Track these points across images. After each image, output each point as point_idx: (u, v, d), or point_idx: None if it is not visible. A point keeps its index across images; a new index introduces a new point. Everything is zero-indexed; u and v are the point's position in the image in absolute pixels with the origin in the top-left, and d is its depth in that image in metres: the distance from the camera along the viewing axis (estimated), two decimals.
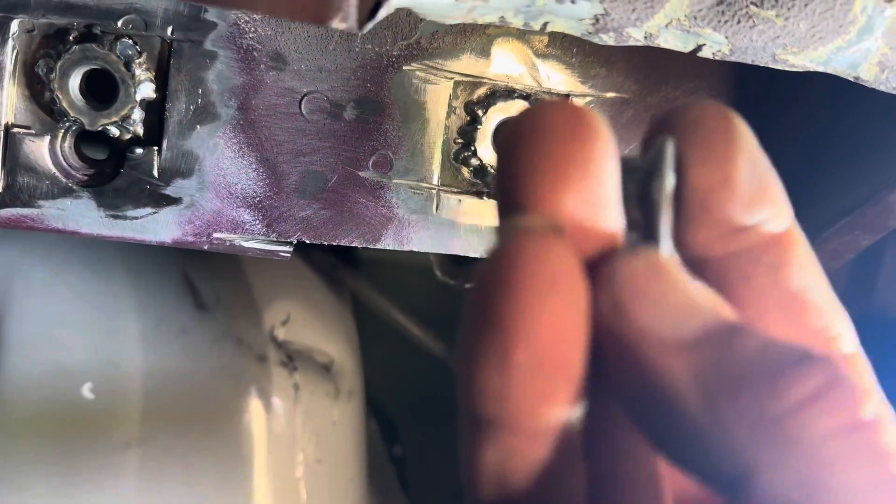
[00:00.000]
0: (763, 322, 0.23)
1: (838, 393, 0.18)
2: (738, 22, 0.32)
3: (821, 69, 0.34)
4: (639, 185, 0.23)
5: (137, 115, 0.41)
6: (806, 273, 0.24)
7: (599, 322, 0.20)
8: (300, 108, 0.42)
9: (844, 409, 0.18)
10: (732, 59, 0.34)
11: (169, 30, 0.40)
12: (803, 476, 0.17)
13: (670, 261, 0.21)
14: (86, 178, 0.41)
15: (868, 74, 0.34)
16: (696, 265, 0.22)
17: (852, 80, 0.34)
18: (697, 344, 0.19)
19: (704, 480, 0.19)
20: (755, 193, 0.23)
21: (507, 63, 0.44)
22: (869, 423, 0.18)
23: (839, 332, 0.24)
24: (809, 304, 0.23)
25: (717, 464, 0.18)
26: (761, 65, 0.34)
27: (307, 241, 0.44)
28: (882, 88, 0.34)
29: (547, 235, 0.19)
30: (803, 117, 0.48)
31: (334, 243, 0.44)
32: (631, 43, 0.33)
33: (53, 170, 0.41)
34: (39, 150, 0.40)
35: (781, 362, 0.18)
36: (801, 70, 0.34)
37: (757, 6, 0.31)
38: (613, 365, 0.20)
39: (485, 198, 0.46)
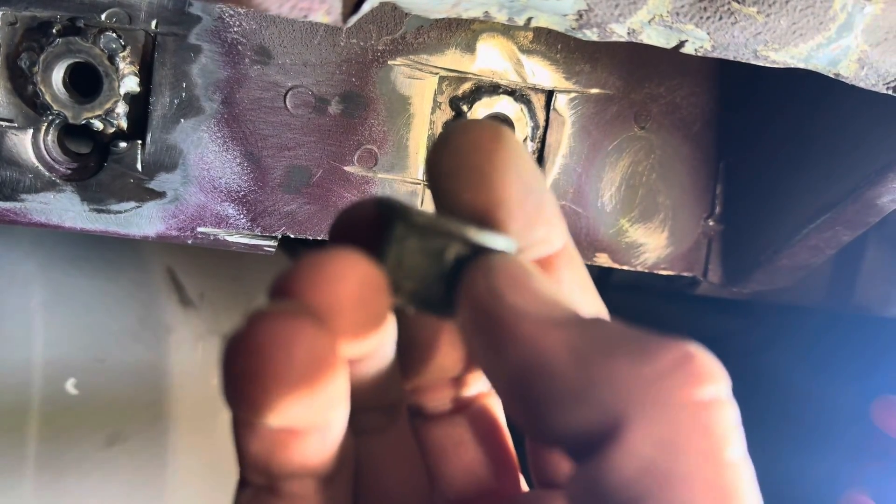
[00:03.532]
0: None
1: (695, 368, 0.19)
2: (720, 18, 0.32)
3: (801, 66, 0.34)
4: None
5: (121, 108, 0.40)
6: (577, 292, 0.25)
7: (476, 311, 0.21)
8: (285, 102, 0.42)
9: (699, 383, 0.19)
10: (714, 55, 0.34)
11: (153, 23, 0.40)
12: (665, 437, 0.18)
13: (528, 262, 0.22)
14: (69, 171, 0.41)
15: (848, 71, 0.34)
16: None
17: (832, 76, 0.35)
18: (568, 323, 0.20)
19: (568, 446, 0.20)
20: (530, 214, 0.23)
21: (492, 59, 0.44)
22: (713, 402, 0.19)
23: None
24: None
25: (585, 424, 0.19)
26: (743, 61, 0.34)
27: (292, 236, 0.44)
28: (861, 85, 0.35)
29: (291, 319, 0.20)
30: (784, 114, 0.49)
31: (319, 238, 0.44)
32: (614, 39, 0.33)
33: (36, 163, 0.40)
34: (22, 143, 0.40)
35: (646, 337, 0.20)
36: (782, 66, 0.34)
37: (738, 3, 0.32)
38: (492, 350, 0.21)
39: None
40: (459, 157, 0.23)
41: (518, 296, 0.21)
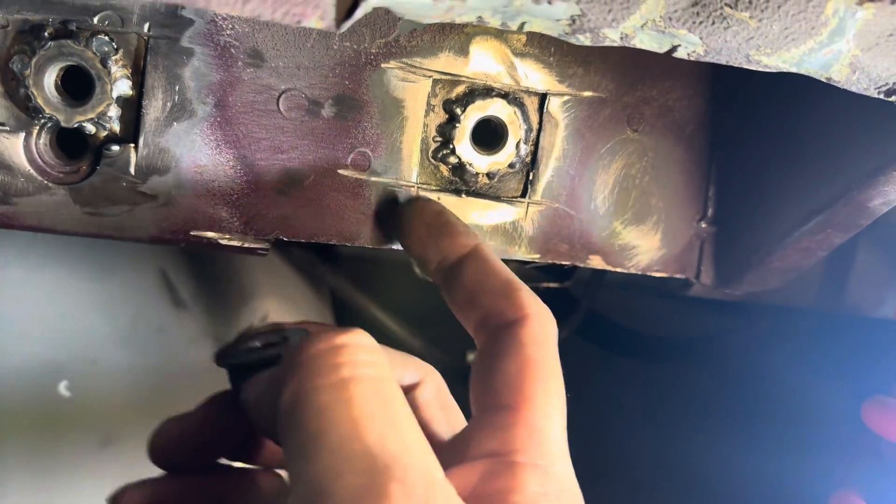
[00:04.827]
0: None
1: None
2: (713, 23, 0.32)
3: (793, 70, 0.34)
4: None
5: (114, 112, 0.40)
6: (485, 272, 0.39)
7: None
8: (278, 105, 0.42)
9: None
10: (707, 59, 0.34)
11: (145, 26, 0.40)
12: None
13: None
14: (62, 175, 0.41)
15: (840, 75, 0.34)
16: None
17: (824, 80, 0.35)
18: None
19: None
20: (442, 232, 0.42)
21: (485, 62, 0.44)
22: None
23: (507, 304, 0.37)
24: (485, 288, 0.37)
25: None
26: (735, 65, 0.34)
27: (285, 239, 0.44)
28: (853, 89, 0.35)
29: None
30: (776, 117, 0.49)
31: (312, 241, 0.44)
32: (607, 44, 0.33)
33: (28, 167, 0.40)
34: (14, 146, 0.40)
35: None
36: (774, 71, 0.35)
37: (731, 7, 0.32)
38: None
39: (463, 195, 0.46)
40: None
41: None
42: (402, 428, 0.26)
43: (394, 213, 0.44)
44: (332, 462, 0.25)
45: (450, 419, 0.38)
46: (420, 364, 0.38)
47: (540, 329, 0.35)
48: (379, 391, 0.27)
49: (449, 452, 0.31)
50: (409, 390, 0.37)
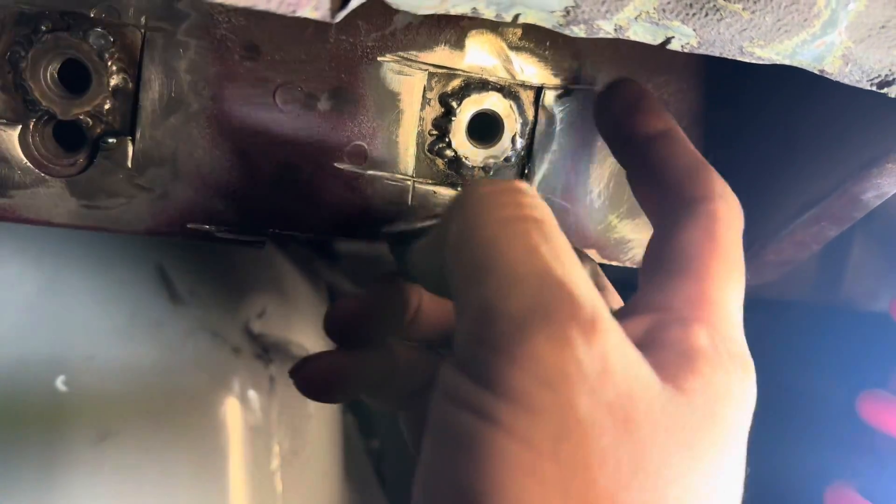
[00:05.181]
0: None
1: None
2: (706, 15, 0.32)
3: (787, 62, 0.35)
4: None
5: (110, 104, 0.40)
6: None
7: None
8: (274, 98, 0.42)
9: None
10: (700, 51, 0.34)
11: (142, 19, 0.40)
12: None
13: None
14: (58, 167, 0.41)
15: (832, 67, 0.35)
16: None
17: (817, 73, 0.35)
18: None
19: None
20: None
21: (481, 55, 0.45)
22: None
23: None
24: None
25: None
26: (729, 57, 0.35)
27: (281, 233, 0.44)
28: (846, 81, 0.35)
29: None
30: (770, 110, 0.49)
31: (308, 234, 0.44)
32: (601, 35, 0.33)
33: (25, 160, 0.40)
34: (10, 139, 0.40)
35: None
36: (767, 63, 0.35)
37: None
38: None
39: (459, 189, 0.46)
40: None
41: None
42: (568, 262, 0.26)
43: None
44: (502, 284, 0.25)
45: (608, 301, 0.37)
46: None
47: (728, 211, 0.33)
48: (543, 230, 0.27)
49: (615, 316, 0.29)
50: None
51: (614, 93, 0.42)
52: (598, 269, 0.40)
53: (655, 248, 0.34)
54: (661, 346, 0.28)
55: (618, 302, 0.38)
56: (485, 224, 0.27)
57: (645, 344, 0.27)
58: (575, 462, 0.23)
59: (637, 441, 0.24)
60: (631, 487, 0.23)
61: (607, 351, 0.24)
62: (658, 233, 0.35)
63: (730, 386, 0.27)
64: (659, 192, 0.36)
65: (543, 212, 0.28)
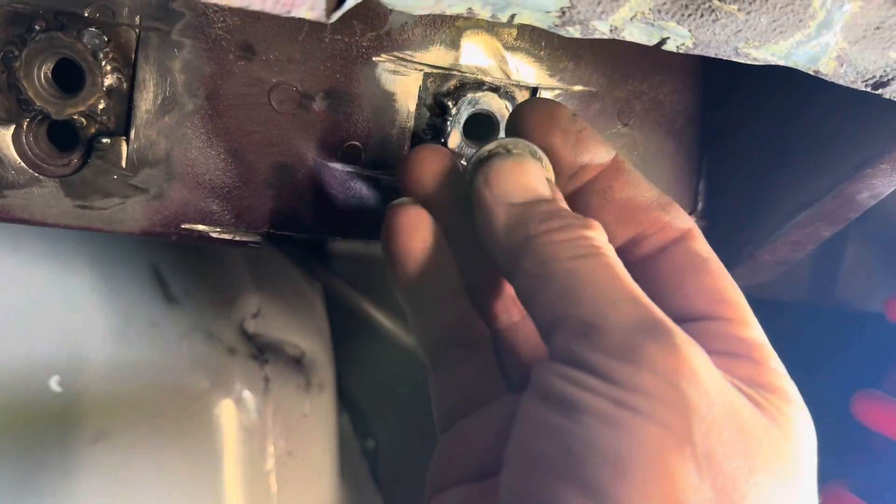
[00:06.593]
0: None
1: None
2: (702, 16, 0.32)
3: (781, 63, 0.35)
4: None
5: (105, 104, 0.40)
6: (635, 185, 0.37)
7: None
8: (269, 98, 0.42)
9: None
10: (696, 52, 0.34)
11: (136, 19, 0.40)
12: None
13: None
14: (52, 167, 0.41)
15: (827, 68, 0.35)
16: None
17: (812, 73, 0.35)
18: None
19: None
20: (581, 140, 0.37)
21: (476, 55, 0.45)
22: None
23: (670, 218, 0.36)
24: (639, 203, 0.36)
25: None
26: (724, 58, 0.35)
27: (276, 233, 0.44)
28: (841, 82, 0.35)
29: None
30: (765, 110, 0.49)
31: (303, 234, 0.44)
32: (597, 36, 0.33)
33: (19, 160, 0.40)
34: (4, 139, 0.40)
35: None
36: (762, 63, 0.35)
37: (720, 0, 0.32)
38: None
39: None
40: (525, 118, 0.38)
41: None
42: (639, 288, 0.31)
43: (514, 113, 0.39)
44: (598, 303, 0.29)
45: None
46: None
47: (704, 242, 0.36)
48: (620, 269, 0.31)
49: None
50: None
51: (547, 120, 0.38)
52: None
53: (665, 294, 0.36)
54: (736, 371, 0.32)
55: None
56: (566, 259, 0.31)
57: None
58: (707, 443, 0.27)
59: (745, 434, 0.28)
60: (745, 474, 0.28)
61: (702, 360, 0.29)
62: (655, 278, 0.37)
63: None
64: (626, 232, 0.38)
65: (614, 256, 0.32)
